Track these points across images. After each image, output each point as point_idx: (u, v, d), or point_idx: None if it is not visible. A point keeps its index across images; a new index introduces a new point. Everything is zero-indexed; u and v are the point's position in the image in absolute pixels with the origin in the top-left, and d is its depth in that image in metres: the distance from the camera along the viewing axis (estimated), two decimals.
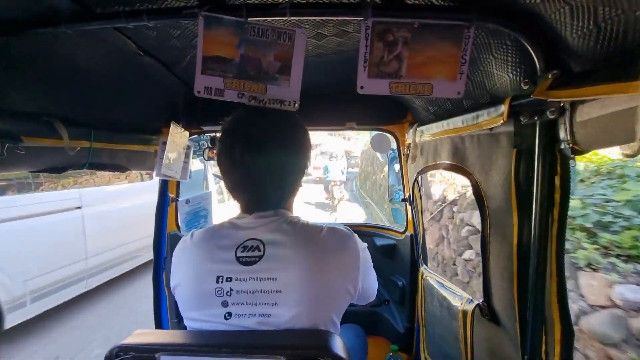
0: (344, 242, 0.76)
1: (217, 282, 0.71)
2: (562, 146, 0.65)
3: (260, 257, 0.71)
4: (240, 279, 0.71)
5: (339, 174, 10.94)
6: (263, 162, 0.73)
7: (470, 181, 0.90)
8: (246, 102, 0.73)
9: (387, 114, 1.43)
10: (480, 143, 0.88)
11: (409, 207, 1.51)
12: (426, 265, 1.43)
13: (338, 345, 0.64)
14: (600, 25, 0.49)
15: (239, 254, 0.72)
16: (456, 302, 1.01)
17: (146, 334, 0.70)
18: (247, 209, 0.79)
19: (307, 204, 11.07)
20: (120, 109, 1.19)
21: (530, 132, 0.70)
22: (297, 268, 0.70)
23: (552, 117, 0.64)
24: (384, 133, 1.56)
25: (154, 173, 1.43)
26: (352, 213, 9.46)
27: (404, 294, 1.61)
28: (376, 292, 0.93)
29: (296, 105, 0.75)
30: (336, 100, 1.37)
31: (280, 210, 0.78)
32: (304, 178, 0.83)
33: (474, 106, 0.88)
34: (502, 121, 0.73)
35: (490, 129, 0.82)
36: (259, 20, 0.70)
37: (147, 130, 1.36)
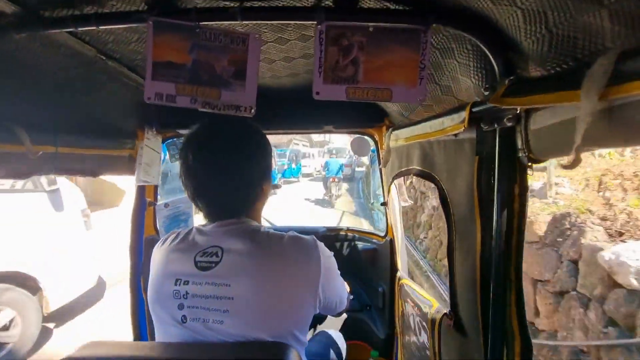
0: (304, 251, 0.75)
1: (176, 284, 0.71)
2: (520, 155, 0.63)
3: (217, 263, 0.70)
4: (196, 282, 0.70)
5: (337, 170, 11.56)
6: (215, 171, 0.73)
7: (437, 187, 0.89)
8: (199, 108, 0.71)
9: (365, 117, 1.40)
10: (446, 149, 0.86)
11: (388, 212, 1.49)
12: (404, 272, 1.41)
13: (291, 358, 0.63)
14: (551, 30, 0.48)
15: (198, 258, 0.72)
16: (426, 310, 0.99)
17: (96, 345, 0.68)
18: (209, 217, 0.79)
19: (306, 200, 11.17)
20: (87, 113, 1.16)
21: (491, 140, 0.69)
22: (251, 276, 0.69)
23: (510, 124, 0.62)
24: (364, 136, 1.54)
25: (134, 180, 1.40)
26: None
27: (384, 300, 1.59)
28: (346, 301, 0.91)
29: (252, 111, 0.73)
30: (313, 103, 1.35)
31: (243, 218, 0.77)
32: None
33: (443, 112, 0.86)
34: (463, 127, 0.72)
35: (455, 135, 0.80)
36: (210, 24, 0.68)
37: (120, 134, 1.33)
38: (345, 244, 1.77)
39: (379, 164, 1.55)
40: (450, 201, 0.84)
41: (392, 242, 1.48)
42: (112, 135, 1.29)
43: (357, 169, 15.49)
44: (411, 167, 1.06)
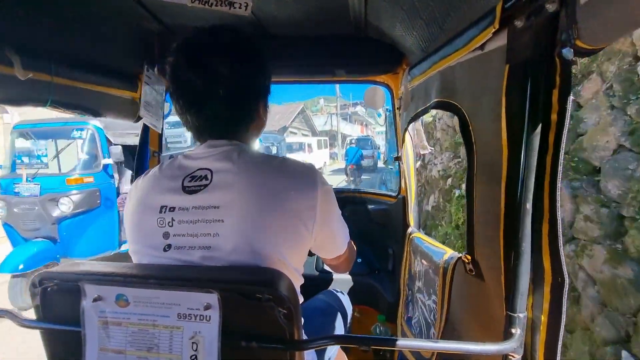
0: (300, 174, 0.67)
1: (160, 212, 0.65)
2: (561, 49, 0.52)
3: (206, 186, 0.64)
4: (183, 208, 0.64)
5: (357, 158, 11.74)
6: (210, 81, 0.65)
7: (459, 117, 0.78)
8: (188, 4, 0.63)
9: (381, 61, 1.28)
10: (470, 69, 0.75)
11: (401, 167, 1.39)
12: (416, 226, 1.31)
13: (283, 283, 0.56)
14: None
15: (186, 183, 0.65)
16: (438, 259, 0.90)
17: (73, 264, 0.64)
18: (198, 135, 0.72)
19: None
20: (86, 45, 1.10)
21: (526, 39, 0.58)
22: (241, 196, 0.62)
23: (552, 8, 0.51)
24: (378, 86, 1.43)
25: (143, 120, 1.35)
26: None
27: (394, 262, 1.51)
28: (344, 247, 0.83)
29: (248, 8, 0.64)
30: (322, 44, 1.24)
31: (235, 142, 0.70)
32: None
33: (467, 25, 0.75)
34: (493, 30, 0.61)
35: (482, 48, 0.69)
36: None
37: (121, 73, 1.27)
38: (355, 206, 1.69)
39: (394, 117, 1.44)
40: (473, 128, 0.74)
41: (404, 200, 1.39)
42: (112, 74, 1.23)
43: (379, 164, 15.11)
44: (429, 104, 0.95)
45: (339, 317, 1.16)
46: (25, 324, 0.61)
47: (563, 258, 0.56)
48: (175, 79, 0.67)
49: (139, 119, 1.40)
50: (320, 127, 29.15)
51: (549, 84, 0.55)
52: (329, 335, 0.60)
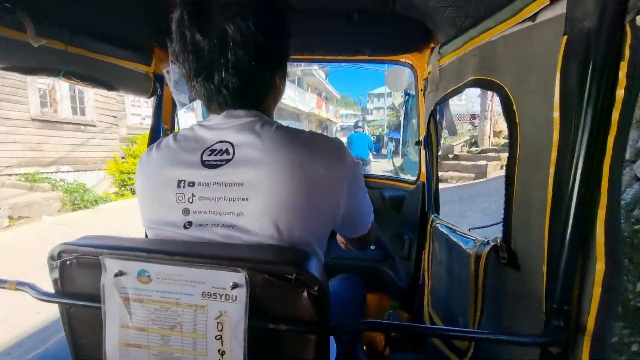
0: (328, 150, 0.63)
1: (179, 186, 0.61)
2: (638, 16, 0.46)
3: (228, 161, 0.59)
4: (204, 184, 0.59)
5: (363, 149, 7.77)
6: (224, 44, 0.57)
7: (500, 95, 0.73)
8: None
9: (408, 39, 1.21)
10: (517, 42, 0.69)
11: (422, 152, 1.34)
12: (437, 213, 1.27)
13: (314, 265, 0.52)
14: None
15: (205, 157, 0.61)
16: (468, 247, 0.86)
17: (95, 238, 0.61)
18: (209, 104, 0.66)
19: None
20: (100, 14, 1.06)
21: (590, 7, 0.52)
22: (267, 174, 0.58)
23: None
24: (401, 67, 1.36)
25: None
26: None
27: (410, 249, 1.48)
28: (370, 225, 0.79)
29: None
30: (345, 20, 1.17)
31: (254, 111, 0.64)
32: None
33: None
34: None
35: (533, 18, 0.63)
36: None
37: (135, 47, 1.23)
38: (370, 191, 1.64)
39: (417, 100, 1.38)
40: (517, 107, 0.68)
41: (423, 186, 1.34)
42: (127, 45, 1.19)
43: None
44: (462, 83, 0.89)
45: (355, 302, 1.14)
46: (44, 297, 0.59)
47: (619, 248, 0.51)
48: (179, 38, 0.60)
49: (153, 94, 1.36)
50: (305, 103, 20.54)
51: (616, 56, 0.49)
52: (364, 321, 0.57)
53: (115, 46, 1.14)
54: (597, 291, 0.53)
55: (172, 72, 1.27)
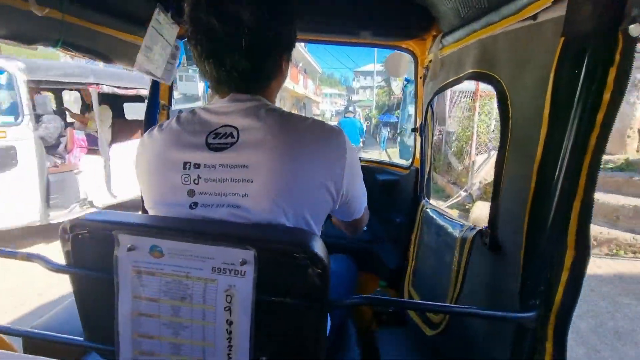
0: (329, 134, 0.66)
1: (184, 168, 0.63)
2: (630, 25, 0.49)
3: (232, 144, 0.62)
4: (209, 166, 0.62)
5: (354, 136, 7.10)
6: (234, 28, 0.60)
7: (497, 90, 0.76)
8: None
9: (410, 24, 1.22)
10: (517, 39, 0.72)
11: (418, 139, 1.37)
12: (428, 198, 1.33)
13: (318, 245, 0.56)
14: None
15: (210, 140, 0.63)
16: (455, 231, 0.92)
17: (106, 213, 0.63)
18: (217, 87, 0.68)
19: None
20: None
21: (588, 12, 0.54)
22: (270, 156, 0.61)
23: None
24: (403, 53, 1.37)
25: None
26: None
27: (400, 232, 1.54)
28: (363, 210, 0.83)
29: None
30: (348, 3, 1.17)
31: (259, 96, 0.67)
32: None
33: None
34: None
35: (534, 17, 0.66)
36: None
37: (134, 17, 1.19)
38: (364, 174, 1.68)
39: (416, 87, 1.40)
40: (511, 102, 0.72)
41: (417, 172, 1.39)
42: (125, 16, 1.15)
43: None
44: (462, 74, 0.92)
45: (347, 280, 1.20)
46: (57, 268, 0.61)
47: (590, 237, 0.57)
48: (193, 21, 0.62)
49: None
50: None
51: (607, 61, 0.53)
52: (358, 296, 0.62)
53: (112, 17, 1.11)
54: (565, 275, 0.58)
55: (145, 38, 1.20)
